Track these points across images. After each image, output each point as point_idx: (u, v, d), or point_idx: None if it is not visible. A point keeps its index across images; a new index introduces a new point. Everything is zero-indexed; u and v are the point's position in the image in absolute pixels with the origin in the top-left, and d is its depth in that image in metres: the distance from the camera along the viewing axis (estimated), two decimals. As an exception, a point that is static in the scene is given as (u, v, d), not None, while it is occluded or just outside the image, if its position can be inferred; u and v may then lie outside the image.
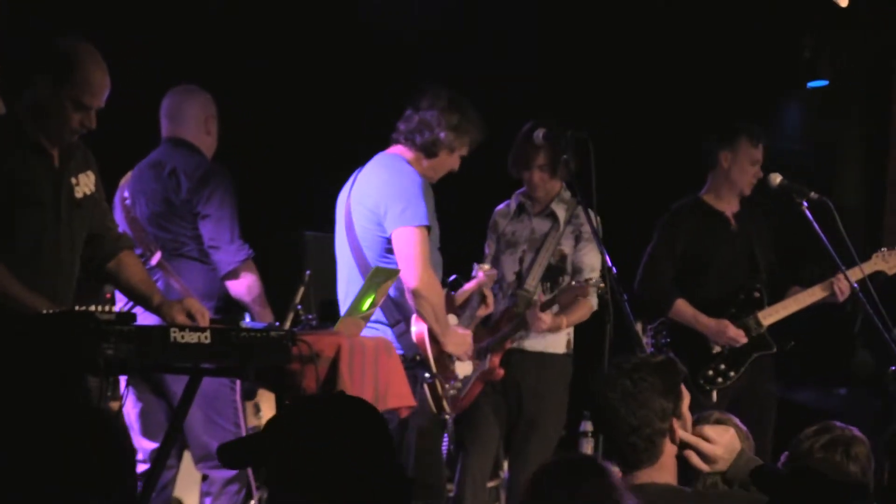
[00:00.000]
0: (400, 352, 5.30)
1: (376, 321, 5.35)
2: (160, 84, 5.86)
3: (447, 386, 5.44)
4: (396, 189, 5.30)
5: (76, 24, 6.30)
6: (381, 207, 5.31)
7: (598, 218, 5.83)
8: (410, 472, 5.23)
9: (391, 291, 5.32)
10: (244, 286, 5.49)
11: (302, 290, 5.40)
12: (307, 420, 2.72)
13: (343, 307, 5.43)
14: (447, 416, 5.38)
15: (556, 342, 6.11)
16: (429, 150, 5.45)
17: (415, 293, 5.25)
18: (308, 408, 2.82)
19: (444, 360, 5.38)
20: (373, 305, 5.08)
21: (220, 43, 7.37)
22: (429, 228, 5.29)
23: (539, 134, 5.81)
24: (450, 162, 5.54)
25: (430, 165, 5.48)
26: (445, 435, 5.96)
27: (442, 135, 5.44)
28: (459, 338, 5.47)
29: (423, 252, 5.26)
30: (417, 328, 5.32)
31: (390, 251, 5.32)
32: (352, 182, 5.53)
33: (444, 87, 5.53)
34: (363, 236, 5.37)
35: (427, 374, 5.30)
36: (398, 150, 5.50)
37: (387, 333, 5.33)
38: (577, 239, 6.13)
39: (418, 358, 5.32)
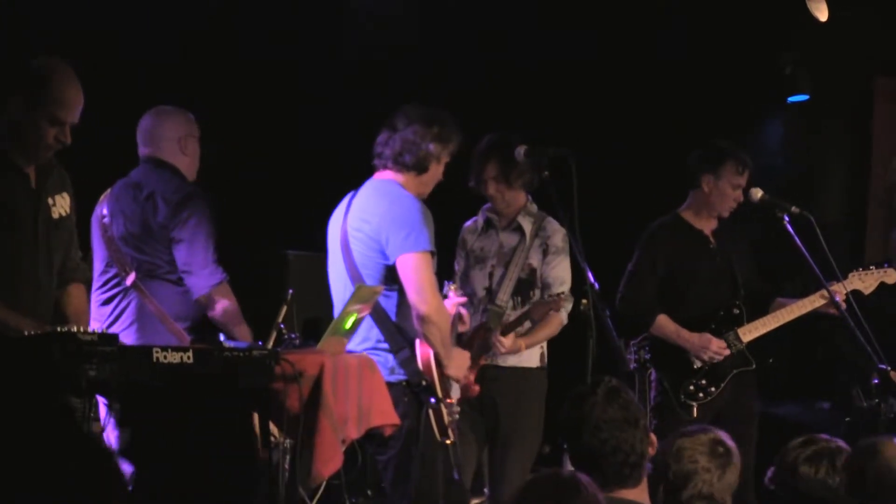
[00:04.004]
0: (403, 377, 5.28)
1: (375, 348, 5.31)
2: (144, 104, 5.87)
3: (450, 410, 5.42)
4: (397, 216, 5.26)
5: (56, 43, 6.33)
6: (382, 235, 5.26)
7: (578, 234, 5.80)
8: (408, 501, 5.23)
9: (392, 317, 5.31)
10: (220, 310, 5.48)
11: (285, 308, 5.39)
12: None
13: None
14: (449, 442, 5.35)
15: (530, 357, 6.12)
16: (420, 167, 5.42)
17: (425, 318, 5.20)
18: None
19: (446, 384, 5.37)
20: (356, 324, 5.07)
21: (204, 63, 7.38)
22: (432, 253, 5.28)
23: (520, 151, 5.78)
24: (438, 172, 5.52)
25: (422, 181, 5.45)
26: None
27: (431, 147, 5.41)
28: (461, 360, 5.46)
29: (430, 277, 5.23)
30: (423, 352, 5.29)
31: (389, 279, 5.29)
32: (346, 207, 5.48)
33: (413, 103, 5.52)
34: (363, 262, 5.33)
35: (433, 399, 5.27)
36: (389, 176, 5.45)
37: (388, 359, 5.29)
38: (545, 252, 6.13)
39: (424, 383, 5.28)
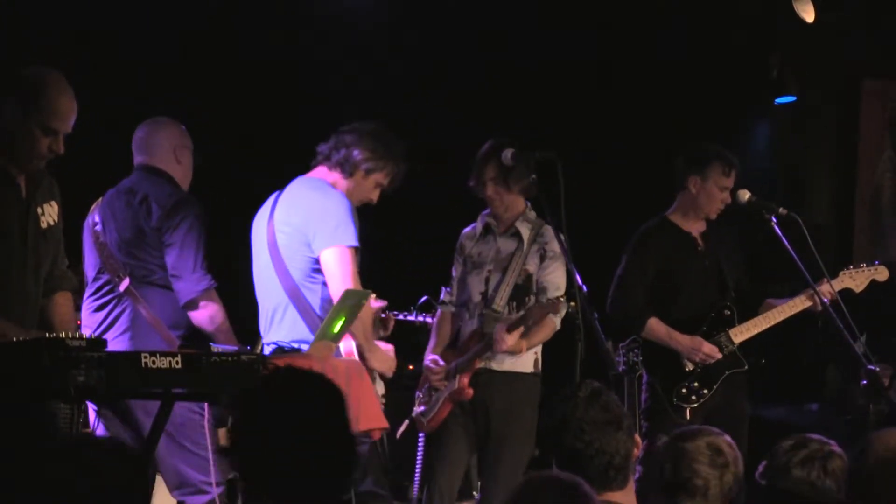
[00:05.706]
0: None
1: (304, 340, 5.34)
2: (135, 115, 5.86)
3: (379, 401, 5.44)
4: (326, 210, 5.34)
5: (56, 43, 6.34)
6: (310, 227, 5.33)
7: (565, 237, 5.79)
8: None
9: (317, 310, 5.36)
10: (206, 316, 5.44)
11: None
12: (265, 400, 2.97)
13: (265, 332, 5.48)
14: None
15: (524, 362, 6.10)
16: (343, 168, 5.52)
17: None
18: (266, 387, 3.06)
19: (372, 376, 5.41)
20: (344, 328, 5.08)
21: (204, 63, 7.39)
22: (356, 250, 5.32)
23: (507, 154, 5.81)
24: (366, 187, 5.57)
25: (348, 188, 5.51)
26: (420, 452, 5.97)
27: (355, 152, 5.50)
28: (384, 354, 5.48)
29: (354, 270, 5.29)
30: (346, 345, 5.34)
31: (317, 271, 5.35)
32: (272, 205, 5.55)
33: (374, 121, 5.60)
34: (290, 256, 5.39)
35: None
36: (320, 174, 5.55)
37: None
38: (542, 258, 6.12)
39: None
